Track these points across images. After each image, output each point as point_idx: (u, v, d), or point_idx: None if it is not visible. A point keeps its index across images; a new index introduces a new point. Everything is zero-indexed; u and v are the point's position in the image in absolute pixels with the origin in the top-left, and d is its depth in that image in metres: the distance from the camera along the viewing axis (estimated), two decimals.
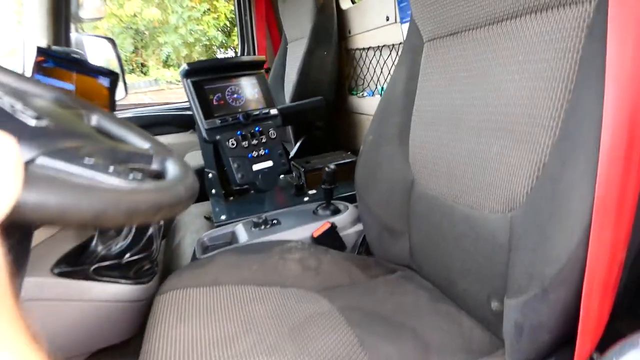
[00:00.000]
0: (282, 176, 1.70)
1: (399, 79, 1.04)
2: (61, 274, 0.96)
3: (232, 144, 1.33)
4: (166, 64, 9.60)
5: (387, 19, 1.62)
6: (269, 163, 1.38)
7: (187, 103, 1.76)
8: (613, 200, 0.48)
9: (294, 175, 1.66)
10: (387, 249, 1.07)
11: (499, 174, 0.73)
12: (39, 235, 1.04)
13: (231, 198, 1.55)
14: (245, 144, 1.36)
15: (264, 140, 1.39)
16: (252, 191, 1.51)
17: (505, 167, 0.72)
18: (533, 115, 0.67)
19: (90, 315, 1.00)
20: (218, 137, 1.33)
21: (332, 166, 1.21)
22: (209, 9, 9.38)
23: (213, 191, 1.56)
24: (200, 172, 1.51)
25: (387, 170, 1.04)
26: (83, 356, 1.06)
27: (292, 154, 1.98)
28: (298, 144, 2.02)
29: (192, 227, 1.52)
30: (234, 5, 2.79)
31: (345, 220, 1.20)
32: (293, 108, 1.88)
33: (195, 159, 2.08)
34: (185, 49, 8.74)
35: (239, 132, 1.35)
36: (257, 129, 1.40)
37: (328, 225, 1.14)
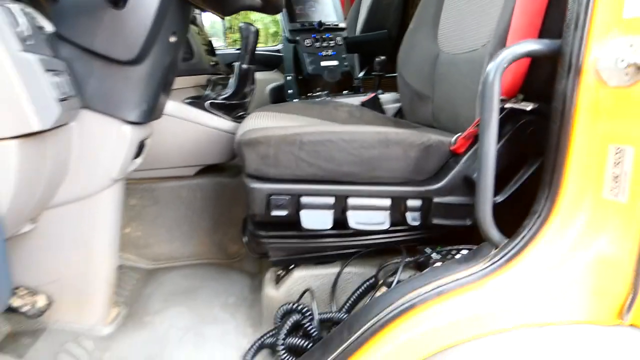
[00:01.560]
0: None
1: None
2: (188, 103, 1.45)
3: (308, 43, 1.75)
4: None
5: None
6: (335, 62, 1.77)
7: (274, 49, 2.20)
8: None
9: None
10: (415, 111, 1.40)
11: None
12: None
13: (303, 97, 1.97)
14: (317, 44, 1.76)
15: (332, 44, 1.78)
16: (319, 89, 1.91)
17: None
18: None
19: (202, 136, 1.48)
20: (297, 37, 1.75)
21: (382, 57, 1.56)
22: None
23: (290, 91, 1.99)
24: (279, 88, 1.95)
25: (420, 47, 1.37)
26: (196, 168, 1.54)
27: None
28: (362, 73, 2.38)
29: None
30: None
31: (386, 98, 1.55)
32: (360, 38, 2.24)
33: None
34: (274, 26, 9.42)
35: (313, 35, 1.76)
36: (327, 35, 1.79)
37: (373, 95, 1.50)
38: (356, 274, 1.05)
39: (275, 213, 0.87)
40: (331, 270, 1.05)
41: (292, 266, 1.07)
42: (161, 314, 1.23)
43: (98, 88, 0.92)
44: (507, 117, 0.85)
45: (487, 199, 0.75)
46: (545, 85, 0.78)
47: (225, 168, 1.61)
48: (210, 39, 2.04)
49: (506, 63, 0.70)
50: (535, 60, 0.81)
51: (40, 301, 1.04)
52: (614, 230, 0.70)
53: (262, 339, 1.02)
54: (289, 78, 1.98)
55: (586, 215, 0.71)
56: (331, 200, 0.88)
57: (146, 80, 0.97)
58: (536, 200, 0.75)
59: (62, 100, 0.78)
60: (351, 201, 0.89)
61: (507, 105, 0.80)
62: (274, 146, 0.84)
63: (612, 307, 0.72)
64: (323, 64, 1.75)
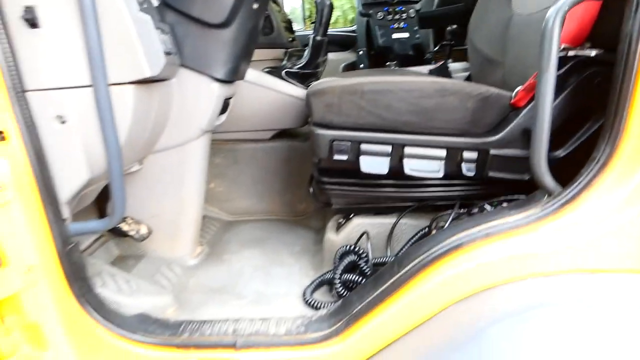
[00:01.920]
0: None
1: None
2: (267, 72, 1.60)
3: (380, 16, 1.80)
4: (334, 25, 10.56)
5: None
6: (406, 34, 1.80)
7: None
8: None
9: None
10: (485, 77, 1.39)
11: None
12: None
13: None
14: (389, 17, 1.80)
15: (404, 17, 1.81)
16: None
17: None
18: None
19: (278, 102, 1.62)
20: (370, 11, 1.81)
21: (454, 26, 1.57)
22: None
23: (361, 65, 2.06)
24: (352, 64, 2.03)
25: (492, 12, 1.36)
26: (271, 132, 1.70)
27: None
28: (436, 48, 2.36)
29: None
30: None
31: (455, 66, 1.55)
32: (436, 12, 2.22)
33: None
34: (352, 12, 9.42)
35: (385, 8, 1.81)
36: (399, 8, 1.82)
37: (442, 62, 1.51)
38: (411, 225, 1.11)
39: (337, 157, 0.96)
40: (388, 220, 1.12)
41: (352, 215, 1.16)
42: (237, 255, 1.41)
43: (193, 49, 1.09)
44: (573, 68, 0.84)
45: (542, 144, 0.76)
46: (616, 33, 0.76)
47: (297, 134, 1.74)
48: (289, 17, 2.19)
49: (567, 6, 0.71)
50: (607, 6, 0.79)
51: (143, 229, 1.26)
52: None
53: (322, 277, 1.13)
54: (360, 53, 2.05)
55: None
56: (388, 148, 0.95)
57: (232, 42, 1.12)
58: (596, 147, 0.75)
59: (167, 54, 0.95)
60: (408, 150, 0.95)
61: (571, 53, 0.80)
62: (337, 95, 0.93)
63: None
64: (394, 36, 1.79)
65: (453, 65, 1.55)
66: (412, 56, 1.97)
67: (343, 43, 3.18)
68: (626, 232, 0.72)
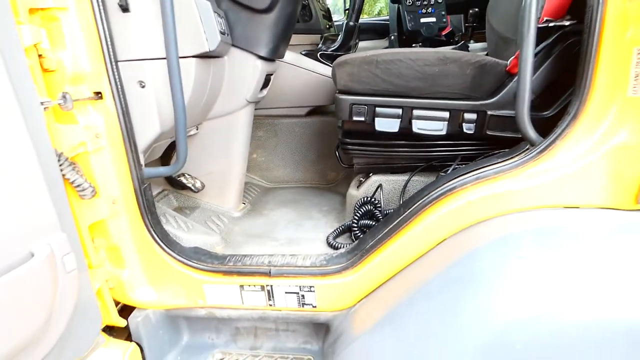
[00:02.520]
0: None
1: None
2: (304, 54, 1.81)
3: (409, 2, 1.95)
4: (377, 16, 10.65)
5: None
6: (433, 19, 1.94)
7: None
8: None
9: None
10: (500, 55, 1.51)
11: None
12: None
13: None
14: (418, 2, 1.95)
15: (432, 2, 1.95)
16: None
17: None
18: None
19: (313, 81, 1.83)
20: None
21: (475, 9, 1.69)
22: None
23: None
24: None
25: None
26: (307, 109, 1.91)
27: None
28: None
29: None
30: None
31: (475, 47, 1.68)
32: None
33: None
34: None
35: None
36: None
37: (462, 42, 1.65)
38: (422, 182, 1.28)
39: (355, 118, 1.15)
40: (401, 178, 1.30)
41: (371, 173, 1.35)
42: (274, 211, 1.65)
43: (242, 31, 1.32)
44: (558, 39, 0.97)
45: (524, 102, 0.91)
46: None
47: (329, 111, 1.95)
48: (328, 6, 2.38)
49: None
50: None
51: (198, 183, 1.52)
52: (635, 123, 0.80)
53: (343, 225, 1.33)
54: (392, 38, 2.21)
55: (612, 112, 0.83)
56: (399, 111, 1.13)
57: (274, 25, 1.34)
58: (570, 104, 0.88)
59: (222, 33, 1.19)
60: (416, 112, 1.12)
61: (551, 25, 0.93)
62: (357, 65, 1.12)
63: (630, 193, 0.83)
64: (422, 20, 1.93)
65: (473, 46, 1.68)
66: (441, 40, 2.10)
67: (379, 31, 3.33)
68: (591, 174, 0.85)
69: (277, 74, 1.68)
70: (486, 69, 1.06)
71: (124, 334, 1.21)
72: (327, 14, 2.22)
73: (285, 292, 1.17)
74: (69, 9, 0.92)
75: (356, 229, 1.23)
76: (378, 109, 1.14)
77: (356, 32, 1.85)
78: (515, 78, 1.04)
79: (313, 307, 1.17)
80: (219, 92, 1.41)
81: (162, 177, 1.50)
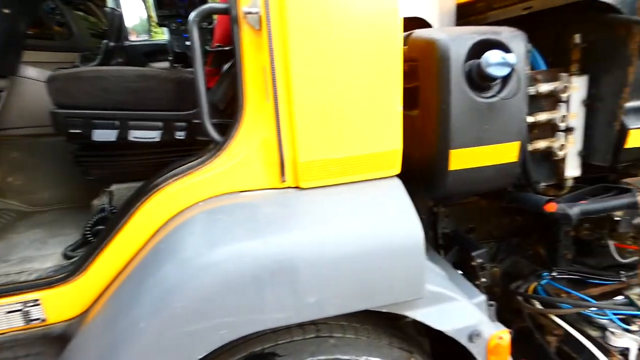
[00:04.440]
0: None
1: None
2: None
3: (173, 27, 2.10)
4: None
5: None
6: None
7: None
8: None
9: None
10: None
11: None
12: None
13: None
14: (182, 27, 2.11)
15: None
16: None
17: None
18: None
19: None
20: (166, 22, 2.10)
21: None
22: None
23: None
24: None
25: None
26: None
27: None
28: None
29: None
30: None
31: None
32: None
33: None
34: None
35: (179, 20, 2.12)
36: None
37: None
38: None
39: (72, 131, 1.21)
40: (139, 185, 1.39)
41: (113, 185, 1.41)
42: (22, 234, 1.55)
43: None
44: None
45: (203, 108, 1.10)
46: None
47: None
48: (104, 26, 2.36)
49: (200, 15, 1.06)
50: None
51: None
52: (268, 122, 1.07)
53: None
54: (170, 59, 2.32)
55: (259, 115, 1.08)
56: (116, 122, 1.22)
57: None
58: (237, 110, 1.12)
59: None
60: (133, 123, 1.24)
61: (220, 49, 1.17)
62: (65, 81, 1.18)
63: (276, 174, 1.09)
64: (187, 43, 2.10)
65: None
66: None
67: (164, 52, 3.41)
68: (253, 162, 1.10)
69: (22, 90, 1.60)
70: (186, 85, 1.24)
71: None
72: (98, 33, 2.22)
73: (7, 312, 1.13)
74: None
75: (90, 236, 1.27)
76: (95, 121, 1.22)
77: (117, 52, 1.90)
78: (210, 91, 1.25)
79: (42, 320, 1.16)
80: None
81: None
